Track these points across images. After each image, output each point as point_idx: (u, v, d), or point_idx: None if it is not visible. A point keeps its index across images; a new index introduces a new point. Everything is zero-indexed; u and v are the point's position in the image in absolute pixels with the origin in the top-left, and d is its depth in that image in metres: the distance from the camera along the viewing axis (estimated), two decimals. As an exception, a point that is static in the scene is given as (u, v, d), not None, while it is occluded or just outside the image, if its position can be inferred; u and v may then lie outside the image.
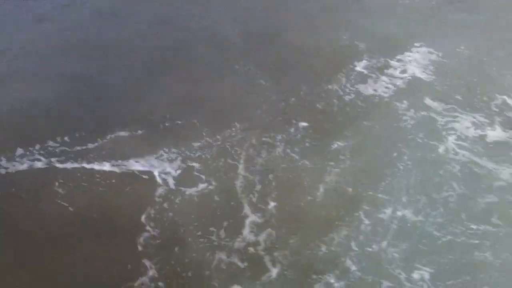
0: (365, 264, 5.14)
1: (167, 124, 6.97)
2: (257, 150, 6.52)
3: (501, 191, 5.79)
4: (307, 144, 6.55)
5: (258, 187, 6.02)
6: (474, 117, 6.75)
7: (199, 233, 5.66)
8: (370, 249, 5.29)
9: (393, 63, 7.75)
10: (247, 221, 5.70)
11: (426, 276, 5.05)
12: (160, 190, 6.07)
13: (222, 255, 5.47)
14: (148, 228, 5.68)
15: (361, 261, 5.17)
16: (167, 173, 6.30)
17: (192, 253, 5.47)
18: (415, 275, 5.04)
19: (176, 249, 5.51)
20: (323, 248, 5.32)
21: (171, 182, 6.19)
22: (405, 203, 5.75)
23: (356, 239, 5.39)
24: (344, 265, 5.15)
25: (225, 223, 5.69)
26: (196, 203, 5.96)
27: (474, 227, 5.48)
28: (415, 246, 5.32)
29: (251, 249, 5.43)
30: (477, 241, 5.33)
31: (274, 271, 5.17)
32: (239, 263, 5.35)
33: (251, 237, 5.56)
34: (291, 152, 6.44)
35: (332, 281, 5.02)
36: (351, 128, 6.74)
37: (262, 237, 5.54)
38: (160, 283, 5.17)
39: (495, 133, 6.46)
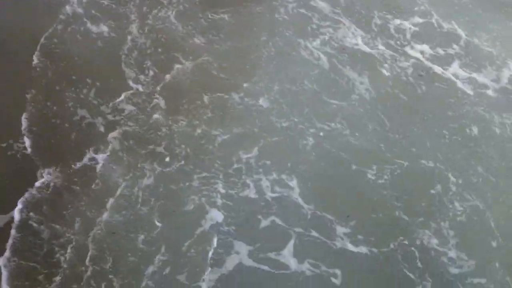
0: (190, 150, 5.52)
1: None
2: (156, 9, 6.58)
3: (352, 98, 6.20)
4: (200, 16, 6.65)
5: (144, 50, 6.16)
6: (355, 29, 6.92)
7: (75, 77, 5.81)
8: (202, 132, 5.63)
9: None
10: (121, 85, 5.86)
11: (252, 161, 5.50)
12: (62, 17, 6.26)
13: (85, 112, 5.64)
14: (39, 55, 5.90)
15: (187, 142, 5.55)
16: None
17: (64, 97, 5.65)
18: (238, 163, 5.48)
19: (58, 87, 5.72)
20: (169, 129, 5.62)
21: (78, 10, 6.33)
22: (258, 89, 5.97)
23: (198, 121, 5.72)
24: (175, 150, 5.48)
25: (98, 83, 5.82)
26: (86, 43, 6.12)
27: (313, 122, 5.86)
28: (250, 131, 5.74)
29: (113, 116, 5.62)
30: (311, 133, 5.77)
31: (125, 144, 5.46)
32: (101, 128, 5.51)
33: (118, 104, 5.72)
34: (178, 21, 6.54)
35: (163, 164, 5.41)
36: (236, 7, 6.82)
37: (128, 106, 5.72)
38: (34, 123, 5.41)
39: (365, 48, 6.70)
